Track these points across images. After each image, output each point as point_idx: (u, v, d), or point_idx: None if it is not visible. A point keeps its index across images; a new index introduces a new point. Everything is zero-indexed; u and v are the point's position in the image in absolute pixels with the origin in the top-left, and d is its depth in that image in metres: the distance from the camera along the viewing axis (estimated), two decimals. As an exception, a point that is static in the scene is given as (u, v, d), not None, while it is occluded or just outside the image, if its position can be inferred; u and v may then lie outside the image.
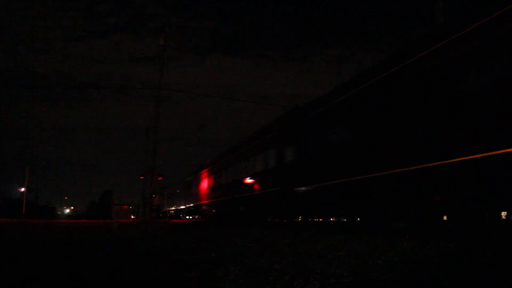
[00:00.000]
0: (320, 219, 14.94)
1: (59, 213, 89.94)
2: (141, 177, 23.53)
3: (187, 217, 38.28)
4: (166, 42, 23.09)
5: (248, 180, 19.16)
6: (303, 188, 13.62)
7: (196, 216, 34.89)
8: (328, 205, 12.95)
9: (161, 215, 39.51)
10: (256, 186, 18.33)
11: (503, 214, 8.88)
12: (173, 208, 46.85)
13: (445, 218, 9.27)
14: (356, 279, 4.18)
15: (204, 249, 7.33)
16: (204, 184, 30.33)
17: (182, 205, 40.96)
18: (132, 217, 38.65)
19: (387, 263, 4.87)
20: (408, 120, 8.95)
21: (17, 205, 52.64)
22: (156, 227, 17.52)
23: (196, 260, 6.03)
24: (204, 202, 30.12)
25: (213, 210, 27.97)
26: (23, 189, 54.59)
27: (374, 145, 9.99)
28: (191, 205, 35.62)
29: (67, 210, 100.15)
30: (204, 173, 30.44)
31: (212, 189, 27.49)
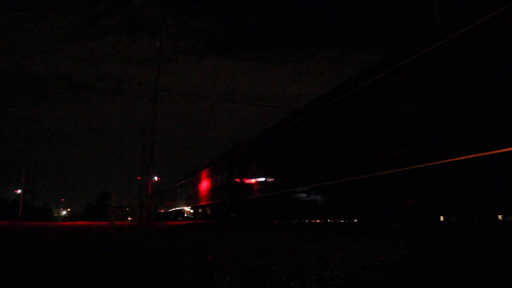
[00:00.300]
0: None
1: (56, 215, 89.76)
2: (138, 178, 23.61)
3: (179, 218, 43.61)
4: (163, 43, 23.07)
5: (211, 192, 27.32)
6: (242, 199, 20.39)
7: (180, 218, 41.39)
8: (254, 210, 19.61)
9: (153, 217, 41.02)
10: (216, 196, 25.81)
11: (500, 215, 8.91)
12: (162, 210, 53.36)
13: (441, 218, 9.30)
14: (353, 280, 4.18)
15: (201, 251, 7.32)
16: (185, 192, 38.69)
17: (170, 208, 48.01)
18: (130, 218, 38.83)
19: (384, 264, 4.87)
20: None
21: (14, 207, 52.51)
22: (153, 228, 17.49)
23: (193, 261, 6.02)
24: (185, 206, 39.13)
25: (191, 212, 37.02)
26: (19, 191, 54.46)
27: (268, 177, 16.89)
28: (177, 208, 43.49)
29: (64, 212, 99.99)
30: (185, 183, 38.71)
31: (190, 197, 35.80)
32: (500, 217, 9.06)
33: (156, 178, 44.48)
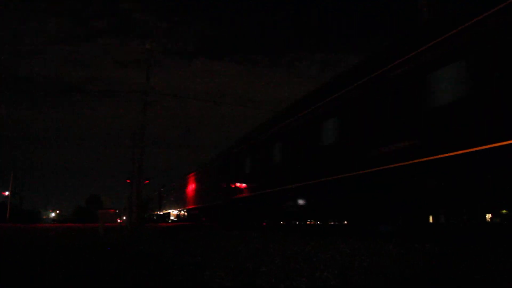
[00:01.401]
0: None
1: (45, 217, 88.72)
2: (127, 181, 23.45)
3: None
4: (153, 46, 22.98)
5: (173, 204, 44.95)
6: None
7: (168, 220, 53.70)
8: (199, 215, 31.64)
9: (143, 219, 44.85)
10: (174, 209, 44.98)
11: (488, 216, 9.01)
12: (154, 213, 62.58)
13: (431, 220, 9.37)
14: (342, 281, 4.19)
15: (190, 252, 7.29)
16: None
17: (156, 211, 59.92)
18: (119, 221, 38.74)
19: (373, 265, 4.89)
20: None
21: (1, 210, 51.82)
22: (142, 230, 17.41)
23: (182, 262, 5.99)
24: (157, 213, 56.58)
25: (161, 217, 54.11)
26: (7, 193, 53.77)
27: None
28: (153, 213, 58.65)
29: (53, 214, 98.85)
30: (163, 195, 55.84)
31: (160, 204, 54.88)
32: (488, 218, 9.16)
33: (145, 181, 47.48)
